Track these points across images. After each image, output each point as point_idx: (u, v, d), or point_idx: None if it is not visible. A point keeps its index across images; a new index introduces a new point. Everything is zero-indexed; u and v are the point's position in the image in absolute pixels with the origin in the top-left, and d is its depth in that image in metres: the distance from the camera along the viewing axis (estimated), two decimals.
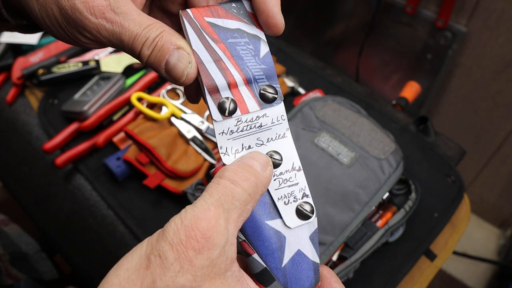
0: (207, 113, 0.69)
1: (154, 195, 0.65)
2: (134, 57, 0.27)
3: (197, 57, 0.26)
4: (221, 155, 0.27)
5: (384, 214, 0.58)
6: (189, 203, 0.63)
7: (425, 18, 1.02)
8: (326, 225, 0.54)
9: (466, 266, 1.33)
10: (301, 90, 0.76)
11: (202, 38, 0.26)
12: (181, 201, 0.63)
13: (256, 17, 0.28)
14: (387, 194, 0.58)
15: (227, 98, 0.27)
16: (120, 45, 0.26)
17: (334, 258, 0.55)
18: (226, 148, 0.27)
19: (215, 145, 0.66)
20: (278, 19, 0.27)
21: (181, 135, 0.66)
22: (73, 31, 0.26)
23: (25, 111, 0.78)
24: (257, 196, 0.25)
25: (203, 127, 0.66)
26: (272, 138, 0.28)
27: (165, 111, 0.67)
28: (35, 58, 0.79)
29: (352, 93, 0.77)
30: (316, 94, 0.74)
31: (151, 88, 0.76)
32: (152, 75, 0.75)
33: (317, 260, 0.28)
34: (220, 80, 0.26)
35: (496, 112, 1.10)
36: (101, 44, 0.27)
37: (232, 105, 0.26)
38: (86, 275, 0.64)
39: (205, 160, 0.65)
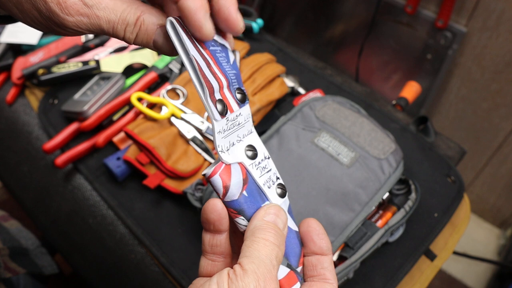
0: (207, 113, 0.69)
1: (154, 195, 0.65)
2: (120, 39, 0.28)
3: (197, 62, 0.27)
4: (220, 153, 0.29)
5: (384, 214, 0.58)
6: (189, 203, 0.63)
7: (425, 18, 1.02)
8: (326, 225, 0.54)
9: (466, 266, 1.33)
10: (301, 90, 0.76)
11: (195, 45, 0.28)
12: (181, 201, 0.64)
13: (221, 30, 0.30)
14: (387, 194, 0.58)
15: (220, 100, 0.29)
16: (103, 33, 0.27)
17: (334, 258, 0.55)
18: (222, 146, 0.29)
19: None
20: (235, 18, 0.28)
21: (181, 135, 0.66)
22: (55, 27, 0.27)
23: (25, 111, 0.78)
24: None
25: (203, 127, 0.66)
26: (245, 134, 0.31)
27: (165, 111, 0.67)
28: (35, 58, 0.79)
29: (352, 93, 0.77)
30: (316, 94, 0.74)
31: (151, 88, 0.76)
32: (152, 75, 0.75)
33: (297, 229, 0.32)
34: (214, 84, 0.28)
35: (496, 112, 1.10)
36: (83, 33, 0.28)
37: (224, 106, 0.29)
38: (86, 275, 0.64)
39: (205, 160, 0.65)
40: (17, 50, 0.83)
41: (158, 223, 0.62)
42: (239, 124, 0.30)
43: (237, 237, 0.32)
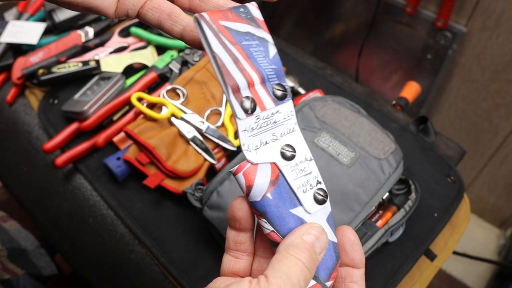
0: (207, 113, 0.69)
1: (154, 195, 0.65)
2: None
3: (219, 59, 0.27)
4: (244, 152, 0.28)
5: (384, 214, 0.58)
6: (189, 203, 0.63)
7: (425, 18, 1.02)
8: None
9: (466, 266, 1.33)
10: (301, 90, 0.76)
11: (220, 40, 0.27)
12: (181, 201, 0.64)
13: (262, 22, 0.29)
14: (387, 194, 0.58)
15: (247, 97, 0.28)
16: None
17: None
18: (248, 145, 0.28)
19: (215, 145, 0.66)
20: None
21: (181, 135, 0.66)
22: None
23: (25, 111, 0.78)
24: None
25: (203, 127, 0.66)
26: (284, 133, 0.30)
27: (165, 111, 0.67)
28: (35, 58, 0.79)
29: (352, 93, 0.77)
30: (316, 94, 0.74)
31: (151, 88, 0.76)
32: (152, 75, 0.75)
33: (335, 240, 0.30)
34: (241, 80, 0.27)
35: (496, 112, 1.10)
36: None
37: (252, 104, 0.28)
38: (86, 275, 0.64)
39: (205, 160, 0.65)
40: (17, 50, 0.83)
41: (158, 223, 0.62)
42: (275, 122, 0.29)
43: (263, 239, 0.31)
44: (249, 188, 0.28)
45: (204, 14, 0.27)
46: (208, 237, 0.61)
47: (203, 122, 0.66)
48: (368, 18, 1.09)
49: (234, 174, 0.28)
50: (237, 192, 0.56)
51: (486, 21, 0.96)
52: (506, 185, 1.25)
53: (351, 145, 0.59)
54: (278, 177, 0.29)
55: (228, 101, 0.28)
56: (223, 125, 0.68)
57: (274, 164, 0.29)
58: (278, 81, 0.29)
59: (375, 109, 0.74)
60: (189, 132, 0.66)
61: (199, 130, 0.66)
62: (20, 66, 0.78)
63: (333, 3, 1.19)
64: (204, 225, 0.61)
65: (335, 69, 0.84)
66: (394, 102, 0.82)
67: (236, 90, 0.27)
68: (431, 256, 0.59)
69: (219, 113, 0.70)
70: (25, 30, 0.83)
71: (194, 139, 0.65)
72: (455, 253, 1.05)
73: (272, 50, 0.29)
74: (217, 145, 0.66)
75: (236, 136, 0.68)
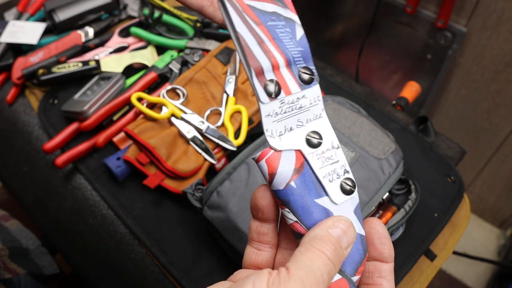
0: (207, 113, 0.69)
1: (154, 195, 0.65)
2: None
3: (242, 39, 0.26)
4: (267, 138, 0.27)
5: (384, 214, 0.58)
6: (189, 203, 0.63)
7: (425, 18, 1.02)
8: None
9: (466, 266, 1.33)
10: None
11: (244, 20, 0.26)
12: (181, 201, 0.64)
13: (289, 2, 0.28)
14: (387, 194, 0.58)
15: (272, 80, 0.27)
16: None
17: None
18: (272, 130, 0.27)
19: (215, 145, 0.66)
20: None
21: (181, 135, 0.66)
22: None
23: (25, 111, 0.78)
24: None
25: (203, 127, 0.66)
26: (310, 119, 0.28)
27: (165, 111, 0.67)
28: (35, 58, 0.79)
29: (352, 93, 0.77)
30: None
31: (151, 88, 0.76)
32: (152, 75, 0.75)
33: (363, 233, 0.28)
34: (265, 62, 0.26)
35: (496, 112, 1.10)
36: None
37: (277, 87, 0.27)
38: (86, 275, 0.64)
39: (205, 160, 0.65)
40: (17, 50, 0.83)
41: (158, 223, 0.62)
42: (301, 107, 0.28)
43: (287, 230, 0.30)
44: (272, 176, 0.27)
45: None
46: (208, 237, 0.61)
47: (203, 122, 0.66)
48: (368, 18, 1.09)
49: (257, 161, 0.27)
50: (237, 192, 0.56)
51: (486, 21, 0.96)
52: (506, 185, 1.25)
53: (351, 145, 0.59)
54: (303, 165, 0.27)
55: (251, 84, 0.26)
56: (223, 125, 0.68)
57: (299, 152, 0.27)
58: (304, 64, 0.28)
59: (375, 109, 0.74)
60: (189, 132, 0.66)
61: (199, 130, 0.66)
62: (20, 66, 0.78)
63: (333, 3, 1.19)
64: (204, 225, 0.61)
65: (335, 69, 0.84)
66: (394, 102, 0.82)
67: (260, 73, 0.26)
68: (431, 256, 0.59)
69: (219, 113, 0.70)
70: (25, 30, 0.83)
71: (194, 139, 0.65)
72: (455, 253, 1.05)
73: (299, 32, 0.28)
74: (217, 145, 0.66)
75: (237, 136, 0.68)
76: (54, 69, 0.76)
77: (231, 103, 0.70)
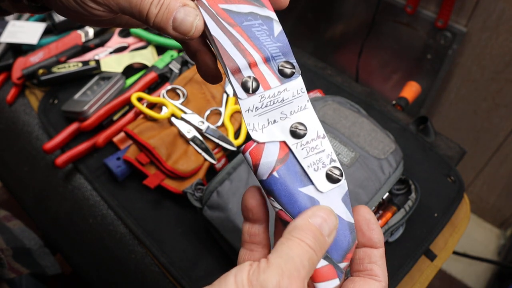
0: (207, 113, 0.69)
1: (154, 195, 0.65)
2: (141, 19, 0.28)
3: (217, 41, 0.27)
4: (249, 131, 0.28)
5: (384, 214, 0.58)
6: (189, 203, 0.63)
7: (425, 18, 1.02)
8: None
9: (466, 266, 1.33)
10: None
11: (219, 24, 0.28)
12: (181, 201, 0.64)
13: (266, 0, 0.29)
14: (387, 194, 0.58)
15: (249, 77, 0.28)
16: (128, 7, 0.27)
17: None
18: (253, 124, 0.28)
19: (215, 145, 0.66)
20: None
21: (181, 135, 0.66)
22: (84, 5, 0.27)
23: (25, 111, 0.78)
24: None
25: (203, 127, 0.66)
26: (294, 111, 0.29)
27: (165, 111, 0.67)
28: (35, 58, 0.79)
29: (352, 93, 0.77)
30: (316, 94, 0.74)
31: (151, 88, 0.76)
32: (152, 75, 0.75)
33: (352, 220, 0.29)
34: (241, 61, 0.28)
35: (496, 112, 1.10)
36: (110, 10, 0.28)
37: (254, 83, 0.28)
38: (86, 275, 0.64)
39: (205, 160, 0.65)
40: (17, 50, 0.83)
41: (158, 223, 0.62)
42: (283, 100, 0.29)
43: (280, 233, 0.30)
44: (255, 166, 0.28)
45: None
46: (208, 237, 0.61)
47: (203, 122, 0.66)
48: (368, 18, 1.09)
49: (243, 152, 0.29)
50: (237, 192, 0.56)
51: (486, 21, 0.96)
52: (506, 185, 1.25)
53: (351, 145, 0.59)
54: (287, 156, 0.28)
55: (229, 82, 0.28)
56: (223, 125, 0.68)
57: (283, 143, 0.29)
58: (284, 58, 0.29)
59: (375, 109, 0.74)
60: (189, 132, 0.66)
61: (199, 130, 0.66)
62: (20, 66, 0.78)
63: (333, 3, 1.19)
64: (204, 225, 0.61)
65: (335, 69, 0.84)
66: (394, 102, 0.82)
67: (236, 71, 0.28)
68: (431, 256, 0.59)
69: (219, 113, 0.70)
70: (25, 30, 0.83)
71: (194, 139, 0.65)
72: (455, 253, 1.05)
73: (277, 28, 0.29)
74: (217, 145, 0.66)
75: (237, 136, 0.68)
76: (54, 69, 0.76)
77: (231, 103, 0.70)
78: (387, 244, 0.58)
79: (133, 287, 0.61)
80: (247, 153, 0.28)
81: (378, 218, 0.57)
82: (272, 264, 0.23)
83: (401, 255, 0.57)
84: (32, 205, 0.71)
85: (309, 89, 0.77)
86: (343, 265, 0.28)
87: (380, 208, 0.59)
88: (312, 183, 0.28)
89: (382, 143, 0.60)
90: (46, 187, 0.70)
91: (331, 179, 0.29)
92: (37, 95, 0.78)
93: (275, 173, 0.28)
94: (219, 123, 0.68)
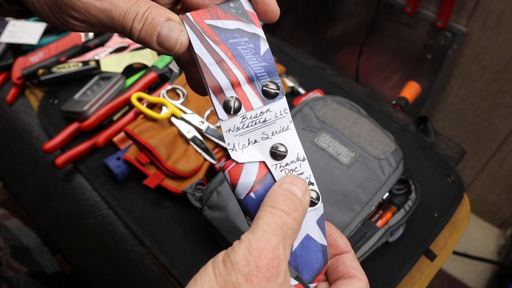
0: (207, 113, 0.69)
1: (154, 195, 0.65)
2: (125, 34, 0.27)
3: (200, 60, 0.27)
4: (229, 151, 0.28)
5: (384, 214, 0.58)
6: (189, 203, 0.63)
7: (425, 18, 1.02)
8: None
9: (466, 266, 1.33)
10: (301, 90, 0.76)
11: (203, 41, 0.27)
12: (181, 201, 0.64)
13: (254, 16, 0.28)
14: (387, 194, 0.58)
15: (232, 97, 0.27)
16: (110, 23, 0.26)
17: None
18: (234, 144, 0.28)
19: (215, 145, 0.66)
20: (274, 6, 0.28)
21: (181, 135, 0.66)
22: (63, 14, 0.26)
23: (25, 111, 0.78)
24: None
25: (203, 127, 0.66)
26: (276, 131, 0.29)
27: (165, 111, 0.67)
28: (35, 58, 0.79)
29: (352, 93, 0.77)
30: (316, 94, 0.74)
31: (151, 88, 0.76)
32: (152, 75, 0.75)
33: (325, 243, 0.29)
34: (223, 81, 0.27)
35: (496, 112, 1.10)
36: (91, 26, 0.27)
37: (236, 104, 0.27)
38: (86, 275, 0.64)
39: (205, 160, 0.65)
40: (17, 50, 0.83)
41: (158, 223, 0.62)
42: (265, 121, 0.28)
43: None
44: (233, 186, 0.28)
45: (188, 14, 0.27)
46: (208, 237, 0.61)
47: (203, 122, 0.66)
48: (368, 18, 1.09)
49: (222, 170, 0.28)
50: None
51: (486, 21, 0.96)
52: (506, 185, 1.25)
53: (351, 145, 0.59)
54: (266, 176, 0.28)
55: (211, 101, 0.28)
56: None
57: (262, 163, 0.28)
58: (269, 78, 0.28)
59: (375, 109, 0.74)
60: (189, 132, 0.66)
61: (199, 130, 0.66)
62: (20, 66, 0.78)
63: (333, 3, 1.19)
64: (204, 225, 0.61)
65: (335, 69, 0.84)
66: (394, 102, 0.82)
67: (218, 91, 0.27)
68: (431, 256, 0.59)
69: None
70: (25, 30, 0.83)
71: (194, 139, 0.65)
72: (455, 253, 1.05)
73: (264, 47, 0.28)
74: (217, 145, 0.66)
75: None
76: (54, 69, 0.76)
77: None
78: (387, 244, 0.58)
79: (133, 287, 0.61)
80: (226, 172, 0.28)
81: (378, 218, 0.57)
82: (242, 241, 0.24)
83: (401, 255, 0.57)
84: (32, 205, 0.71)
85: (309, 89, 0.77)
86: (312, 285, 0.29)
87: (380, 208, 0.59)
88: None
89: (382, 143, 0.60)
90: (46, 187, 0.70)
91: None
92: (37, 95, 0.78)
93: (252, 194, 0.28)
94: (219, 123, 0.68)
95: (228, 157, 0.67)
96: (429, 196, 0.63)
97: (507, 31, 0.94)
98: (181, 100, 0.69)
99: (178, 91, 0.71)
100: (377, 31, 1.11)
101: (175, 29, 0.26)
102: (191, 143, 0.65)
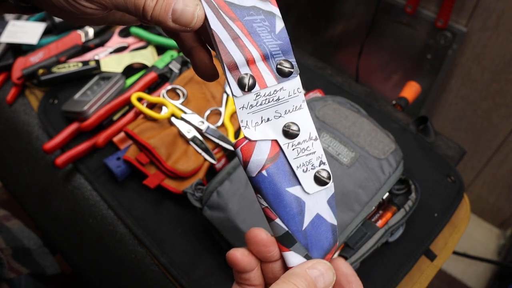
0: (207, 113, 0.69)
1: (154, 195, 0.65)
2: (138, 14, 0.26)
3: (216, 36, 0.27)
4: (242, 128, 0.28)
5: (384, 214, 0.58)
6: (189, 203, 0.63)
7: (425, 18, 1.02)
8: None
9: (466, 266, 1.33)
10: None
11: (219, 17, 0.27)
12: (181, 201, 0.64)
13: None
14: (387, 194, 0.58)
15: (246, 74, 0.27)
16: (122, 3, 0.26)
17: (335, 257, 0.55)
18: (247, 121, 0.28)
19: (215, 145, 0.66)
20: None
21: (181, 135, 0.66)
22: (75, 3, 0.26)
23: (25, 111, 0.78)
24: None
25: (203, 127, 0.66)
26: (289, 110, 0.29)
27: (165, 111, 0.67)
28: (35, 58, 0.79)
29: (352, 93, 0.77)
30: (316, 94, 0.74)
31: (151, 88, 0.76)
32: (152, 75, 0.75)
33: (335, 223, 0.30)
34: (238, 57, 0.27)
35: (496, 112, 1.10)
36: (103, 7, 0.26)
37: (251, 81, 0.27)
38: (86, 275, 0.64)
39: (205, 160, 0.65)
40: (17, 50, 0.83)
41: (158, 223, 0.62)
42: (278, 99, 0.28)
43: (273, 272, 0.31)
44: (245, 163, 0.28)
45: None
46: (208, 237, 0.61)
47: (203, 122, 0.66)
48: (368, 18, 1.09)
49: (234, 147, 0.28)
50: (237, 192, 0.56)
51: (486, 21, 0.96)
52: (506, 185, 1.25)
53: (351, 145, 0.59)
54: (278, 155, 0.28)
55: (225, 78, 0.27)
56: (223, 125, 0.68)
57: (275, 141, 0.28)
58: (283, 57, 0.28)
59: (375, 109, 0.74)
60: (189, 132, 0.66)
61: (199, 130, 0.66)
62: (20, 66, 0.78)
63: (333, 3, 1.19)
64: (204, 225, 0.61)
65: (335, 69, 0.84)
66: (394, 102, 0.82)
67: (233, 68, 0.27)
68: (431, 256, 0.59)
69: (219, 113, 0.70)
70: (25, 30, 0.83)
71: (194, 139, 0.65)
72: (455, 253, 1.05)
73: (279, 25, 0.28)
74: (217, 145, 0.66)
75: (237, 136, 0.68)
76: (54, 69, 0.76)
77: (231, 103, 0.70)
78: (387, 244, 0.58)
79: (133, 287, 0.61)
80: (238, 149, 0.28)
81: (378, 218, 0.57)
82: None
83: (401, 255, 0.57)
84: (32, 205, 0.71)
85: (309, 89, 0.77)
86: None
87: (380, 208, 0.59)
88: (300, 184, 0.29)
89: (382, 143, 0.60)
90: (46, 187, 0.70)
91: (318, 181, 0.29)
92: (37, 95, 0.78)
93: (264, 172, 0.28)
94: (219, 123, 0.68)
95: (228, 158, 0.67)
96: (429, 196, 0.63)
97: (507, 31, 0.94)
98: (181, 100, 0.69)
99: (178, 91, 0.71)
100: (377, 31, 1.11)
101: (190, 3, 0.26)
102: (191, 143, 0.65)
